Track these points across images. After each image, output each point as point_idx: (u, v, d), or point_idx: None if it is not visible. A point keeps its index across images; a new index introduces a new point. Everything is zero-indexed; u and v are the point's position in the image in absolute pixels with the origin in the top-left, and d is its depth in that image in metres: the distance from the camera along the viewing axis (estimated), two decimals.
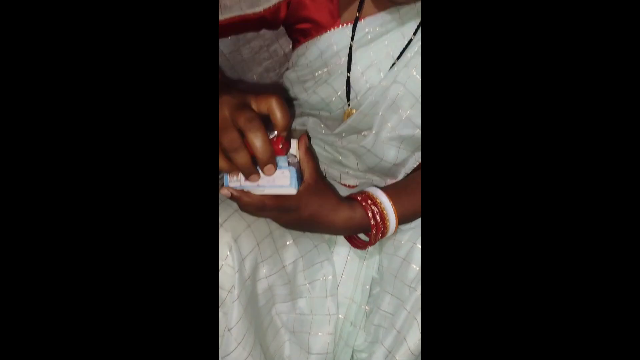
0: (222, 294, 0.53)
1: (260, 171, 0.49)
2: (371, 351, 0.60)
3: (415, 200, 0.59)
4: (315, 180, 0.53)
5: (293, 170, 0.50)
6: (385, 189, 0.58)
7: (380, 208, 0.57)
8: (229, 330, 0.53)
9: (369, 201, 0.57)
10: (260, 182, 0.50)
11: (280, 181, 0.50)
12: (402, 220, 0.58)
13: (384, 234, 0.58)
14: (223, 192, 0.51)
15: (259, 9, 0.64)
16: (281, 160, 0.50)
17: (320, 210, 0.54)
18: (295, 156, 0.54)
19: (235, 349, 0.53)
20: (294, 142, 0.54)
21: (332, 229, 0.57)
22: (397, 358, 0.54)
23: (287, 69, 0.73)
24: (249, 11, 0.64)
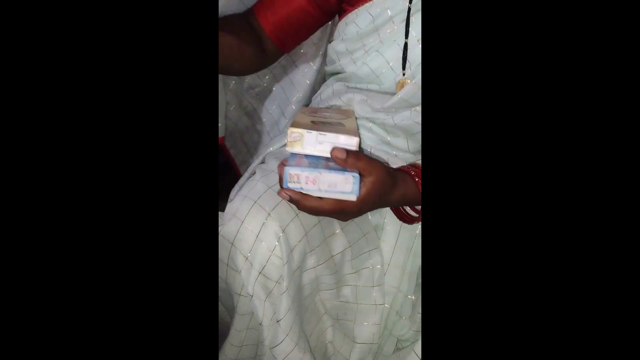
0: (269, 284, 0.51)
1: (320, 176, 0.46)
2: (415, 339, 0.59)
3: None
4: (376, 180, 0.50)
5: (357, 176, 0.48)
6: None
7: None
8: (277, 322, 0.52)
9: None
10: (322, 185, 0.47)
11: (342, 187, 0.48)
12: None
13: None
14: (281, 195, 0.48)
15: None
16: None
17: (378, 202, 0.51)
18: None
19: (283, 340, 0.52)
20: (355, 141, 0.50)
21: (384, 206, 0.55)
22: None
23: (332, 40, 0.67)
24: None
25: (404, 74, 0.61)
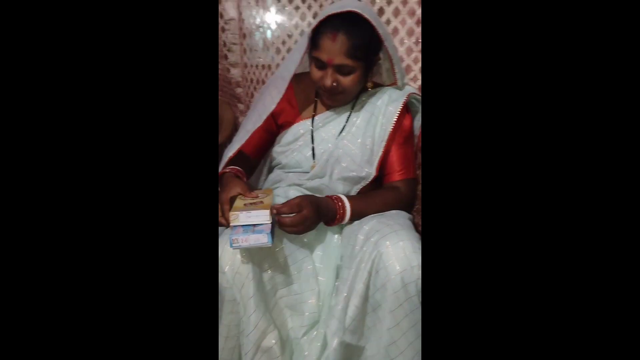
0: (242, 279, 0.89)
1: (249, 237, 0.84)
2: (337, 301, 0.93)
3: (362, 206, 0.99)
4: (306, 198, 0.92)
5: (268, 234, 0.82)
6: (346, 196, 1.00)
7: (343, 204, 0.96)
8: (249, 298, 0.88)
9: (338, 201, 0.97)
10: (250, 242, 0.83)
11: (262, 240, 0.83)
12: (353, 215, 0.98)
13: (342, 219, 0.97)
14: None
15: (259, 124, 1.07)
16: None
17: (316, 211, 0.91)
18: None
19: (254, 311, 0.88)
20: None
21: (320, 215, 0.93)
22: (350, 301, 0.87)
23: (274, 145, 1.16)
24: (255, 127, 1.07)
25: (314, 161, 1.08)
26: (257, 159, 1.17)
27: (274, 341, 0.91)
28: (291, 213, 0.89)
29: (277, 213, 0.89)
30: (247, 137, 1.05)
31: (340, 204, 0.98)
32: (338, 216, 0.97)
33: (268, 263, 0.94)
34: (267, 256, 0.94)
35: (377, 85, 1.12)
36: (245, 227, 0.86)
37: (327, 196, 0.99)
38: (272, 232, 0.85)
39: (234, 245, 0.84)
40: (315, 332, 0.96)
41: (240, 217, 0.86)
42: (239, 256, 0.90)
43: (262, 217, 0.86)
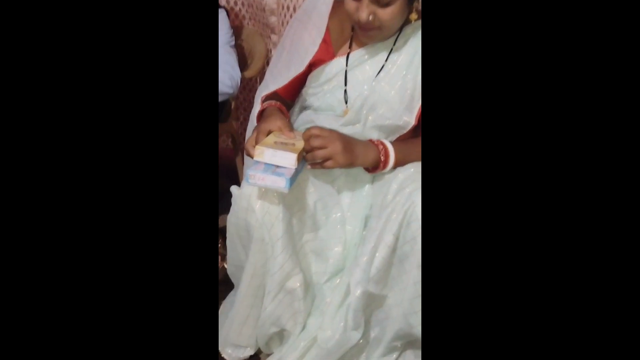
0: (272, 219, 0.89)
1: (266, 176, 0.80)
2: (363, 251, 0.92)
3: (406, 153, 0.93)
4: (334, 132, 0.87)
5: (288, 178, 0.78)
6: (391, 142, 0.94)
7: (386, 149, 0.92)
8: (277, 240, 0.88)
9: (380, 145, 0.92)
10: (267, 182, 0.80)
11: (279, 184, 0.80)
12: (397, 162, 0.93)
13: (385, 166, 0.92)
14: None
15: (300, 70, 1.00)
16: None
17: (348, 144, 0.86)
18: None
19: (281, 252, 0.88)
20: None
21: (358, 159, 0.89)
22: (377, 252, 0.86)
23: (305, 86, 1.11)
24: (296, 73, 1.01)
25: (346, 106, 1.02)
26: (290, 100, 1.12)
27: (298, 284, 0.92)
28: (321, 146, 0.85)
29: (306, 138, 0.85)
30: (285, 82, 0.99)
31: (383, 148, 0.92)
32: (381, 163, 0.92)
33: (297, 206, 0.93)
34: (298, 199, 0.93)
35: None
36: (267, 165, 0.83)
37: (369, 140, 0.94)
38: (293, 179, 0.82)
39: (250, 180, 0.81)
40: (338, 280, 0.97)
41: (265, 153, 0.82)
42: (270, 195, 0.88)
43: (288, 160, 0.82)
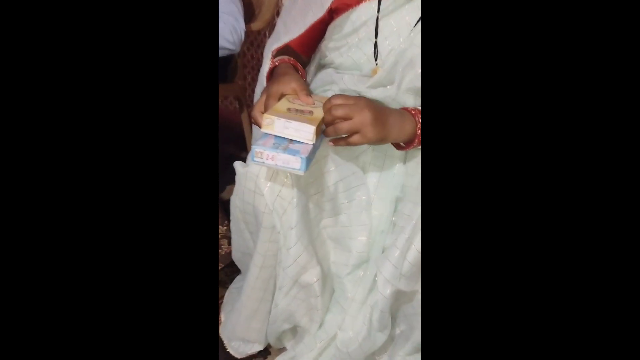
0: (284, 204, 0.73)
1: (277, 155, 0.63)
2: (395, 242, 0.77)
3: None
4: (367, 100, 0.70)
5: (304, 158, 0.62)
6: None
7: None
8: (291, 229, 0.73)
9: (419, 115, 0.74)
10: (278, 162, 0.63)
11: (293, 164, 0.63)
12: None
13: (422, 142, 0.74)
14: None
15: (320, 15, 0.82)
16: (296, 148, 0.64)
17: (383, 108, 0.70)
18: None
19: (295, 244, 0.74)
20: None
21: (389, 132, 0.71)
22: (412, 244, 0.71)
23: (325, 39, 0.92)
24: (314, 20, 0.82)
25: (376, 64, 0.84)
26: (306, 56, 0.94)
27: (315, 279, 0.78)
28: (345, 116, 0.68)
29: (327, 110, 0.68)
30: (301, 31, 0.80)
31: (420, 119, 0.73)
32: (417, 138, 0.74)
33: (315, 187, 0.77)
34: (315, 179, 0.77)
35: None
36: (278, 139, 0.66)
37: (403, 108, 0.76)
38: (310, 158, 0.65)
39: (255, 159, 0.64)
40: (362, 272, 0.82)
41: (276, 123, 0.65)
42: (281, 176, 0.73)
43: (305, 133, 0.65)
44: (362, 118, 0.68)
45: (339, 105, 0.68)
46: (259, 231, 0.76)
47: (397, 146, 0.77)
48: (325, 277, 0.82)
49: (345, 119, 0.68)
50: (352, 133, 0.69)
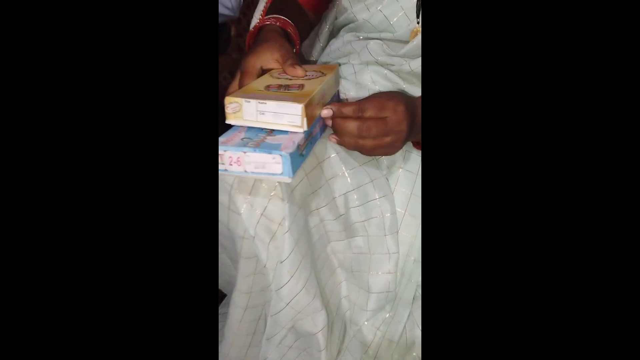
0: (272, 226, 0.51)
1: (245, 156, 0.42)
2: None
3: None
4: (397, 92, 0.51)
5: (287, 156, 0.41)
6: None
7: None
8: (280, 262, 0.51)
9: None
10: (247, 167, 0.42)
11: (270, 168, 0.42)
12: None
13: None
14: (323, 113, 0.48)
15: None
16: (274, 144, 0.42)
17: (413, 102, 0.51)
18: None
19: (288, 281, 0.52)
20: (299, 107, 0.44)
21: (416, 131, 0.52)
22: None
23: None
24: None
25: (418, 22, 0.60)
26: (315, 11, 0.70)
27: (319, 328, 0.55)
28: (380, 134, 0.48)
29: (334, 116, 0.48)
30: None
31: None
32: None
33: (317, 201, 0.55)
34: (317, 189, 0.54)
35: None
36: (251, 131, 0.45)
37: None
38: (298, 156, 0.43)
39: (220, 165, 0.43)
40: (387, 315, 0.59)
41: (245, 108, 0.44)
42: (267, 185, 0.50)
43: (289, 116, 0.43)
44: (397, 137, 0.49)
45: (373, 119, 0.47)
46: (238, 262, 0.55)
47: (416, 145, 0.57)
48: (334, 321, 0.60)
49: (377, 136, 0.48)
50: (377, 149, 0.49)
